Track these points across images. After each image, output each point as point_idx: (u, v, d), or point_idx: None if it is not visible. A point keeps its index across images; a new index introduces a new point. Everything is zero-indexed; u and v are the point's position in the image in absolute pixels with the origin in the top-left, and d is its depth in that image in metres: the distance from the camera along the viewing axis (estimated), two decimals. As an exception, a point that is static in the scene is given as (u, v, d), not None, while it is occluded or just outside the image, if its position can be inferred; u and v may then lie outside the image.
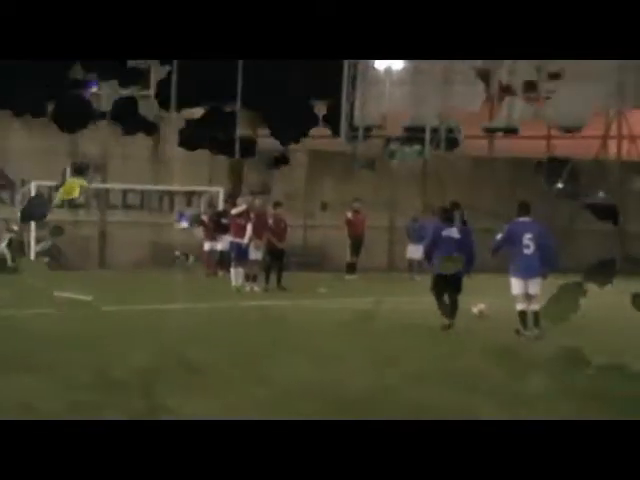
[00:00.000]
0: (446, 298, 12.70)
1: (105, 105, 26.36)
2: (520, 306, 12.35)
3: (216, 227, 23.08)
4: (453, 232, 12.64)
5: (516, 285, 12.41)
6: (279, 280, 19.38)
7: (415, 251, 21.35)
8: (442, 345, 11.19)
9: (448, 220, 12.84)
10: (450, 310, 12.64)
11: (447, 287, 12.65)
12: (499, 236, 12.76)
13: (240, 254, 19.12)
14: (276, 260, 19.70)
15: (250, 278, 19.13)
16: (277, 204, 20.46)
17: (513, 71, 27.87)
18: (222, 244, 22.30)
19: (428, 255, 12.97)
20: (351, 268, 23.70)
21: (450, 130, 28.10)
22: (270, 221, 19.75)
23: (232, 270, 19.42)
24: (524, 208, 12.74)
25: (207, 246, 23.63)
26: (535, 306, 12.22)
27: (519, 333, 12.23)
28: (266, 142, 29.26)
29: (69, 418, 5.61)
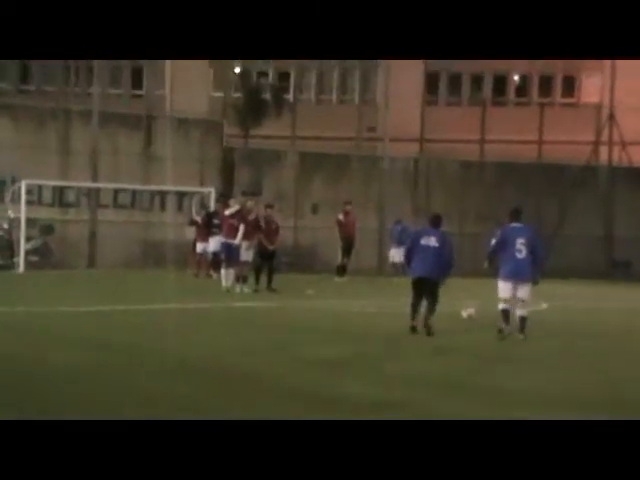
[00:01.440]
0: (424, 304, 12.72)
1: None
2: (503, 306, 12.43)
3: (208, 228, 22.93)
4: (432, 241, 12.73)
5: (504, 288, 12.50)
6: (269, 282, 19.37)
7: (397, 254, 21.32)
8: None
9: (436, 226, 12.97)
10: (426, 311, 12.62)
11: (424, 291, 12.73)
12: (493, 241, 12.89)
13: (231, 255, 19.08)
14: (266, 261, 19.69)
15: (240, 279, 19.10)
16: (268, 206, 20.49)
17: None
18: (213, 245, 22.15)
19: (407, 261, 13.12)
20: (341, 270, 23.70)
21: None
22: (261, 222, 19.74)
23: (222, 271, 19.38)
24: (517, 214, 12.90)
25: (200, 247, 23.47)
26: (523, 311, 12.32)
27: (501, 332, 12.30)
28: (257, 143, 29.33)
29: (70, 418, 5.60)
